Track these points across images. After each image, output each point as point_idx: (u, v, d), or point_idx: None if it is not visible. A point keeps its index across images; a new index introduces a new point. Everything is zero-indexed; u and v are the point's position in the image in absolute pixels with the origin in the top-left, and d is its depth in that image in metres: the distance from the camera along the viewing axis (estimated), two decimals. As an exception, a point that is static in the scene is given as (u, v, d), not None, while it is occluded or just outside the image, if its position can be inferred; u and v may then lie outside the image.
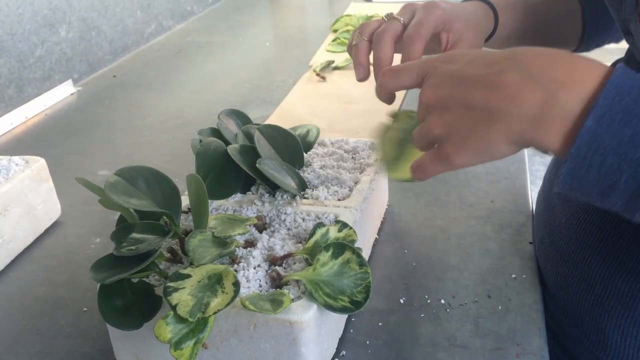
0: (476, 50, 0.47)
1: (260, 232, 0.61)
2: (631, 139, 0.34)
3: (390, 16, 0.63)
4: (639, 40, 0.51)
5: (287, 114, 1.09)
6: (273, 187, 0.66)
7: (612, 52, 0.67)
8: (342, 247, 0.53)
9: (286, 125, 0.72)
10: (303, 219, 0.61)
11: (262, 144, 0.66)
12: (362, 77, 0.66)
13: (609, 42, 0.70)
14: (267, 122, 1.03)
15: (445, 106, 0.42)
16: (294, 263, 0.56)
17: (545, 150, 0.39)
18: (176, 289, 0.49)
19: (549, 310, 0.66)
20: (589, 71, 0.37)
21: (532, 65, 0.38)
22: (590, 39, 0.69)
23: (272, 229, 0.61)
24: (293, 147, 0.70)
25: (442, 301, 0.62)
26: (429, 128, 0.44)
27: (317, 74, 1.25)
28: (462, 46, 0.62)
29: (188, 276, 0.50)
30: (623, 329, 0.60)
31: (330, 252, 0.53)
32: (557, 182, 0.38)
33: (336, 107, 1.11)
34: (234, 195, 0.66)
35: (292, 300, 0.50)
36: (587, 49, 0.70)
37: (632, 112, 0.34)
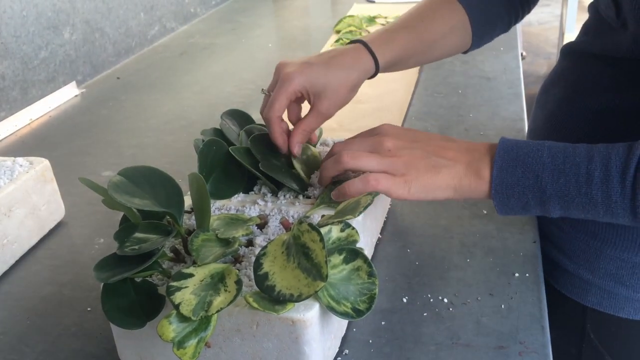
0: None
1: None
2: (522, 174, 0.55)
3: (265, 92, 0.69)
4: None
5: None
6: (277, 186, 0.66)
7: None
8: (355, 253, 0.53)
9: None
10: (306, 218, 0.61)
11: (264, 144, 0.67)
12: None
13: (497, 36, 0.79)
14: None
15: (411, 149, 0.59)
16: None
17: (474, 197, 0.58)
18: (179, 288, 0.49)
19: None
20: (488, 148, 0.58)
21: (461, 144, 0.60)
22: (480, 41, 0.77)
23: (272, 228, 0.61)
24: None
25: (445, 300, 0.62)
26: (393, 159, 0.59)
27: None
28: (327, 96, 0.67)
29: (191, 275, 0.50)
30: None
31: (342, 256, 0.53)
32: (497, 210, 0.57)
33: (346, 107, 1.10)
34: (236, 195, 0.66)
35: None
36: (478, 47, 0.78)
37: (516, 159, 0.55)
